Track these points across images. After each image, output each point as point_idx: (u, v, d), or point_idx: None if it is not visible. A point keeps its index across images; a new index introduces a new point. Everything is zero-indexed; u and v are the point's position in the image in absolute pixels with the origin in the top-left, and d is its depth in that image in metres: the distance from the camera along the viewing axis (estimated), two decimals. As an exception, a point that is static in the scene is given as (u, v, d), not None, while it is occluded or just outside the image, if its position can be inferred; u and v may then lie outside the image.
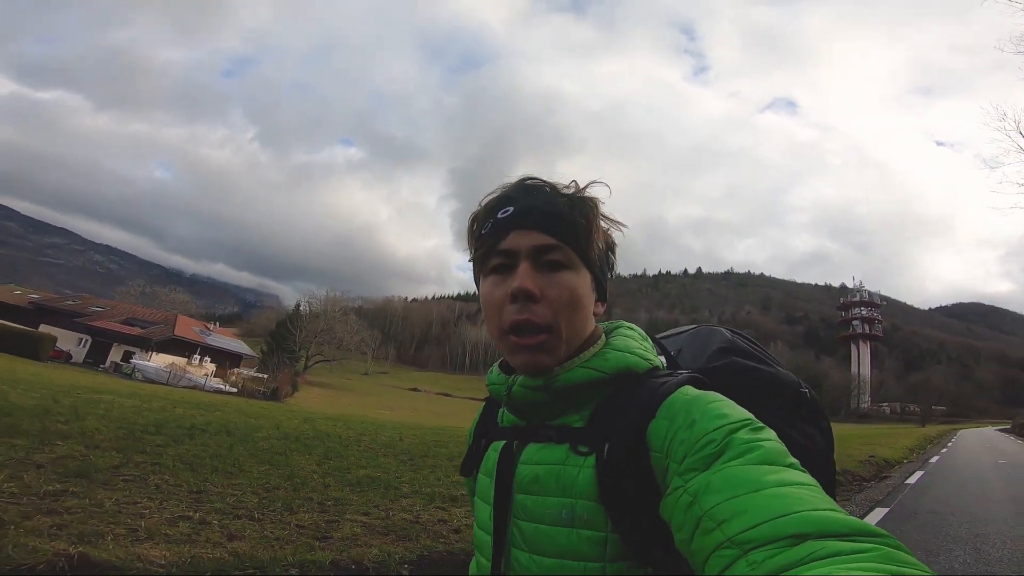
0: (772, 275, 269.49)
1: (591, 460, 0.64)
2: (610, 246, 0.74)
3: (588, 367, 0.68)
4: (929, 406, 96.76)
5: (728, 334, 0.89)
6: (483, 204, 0.72)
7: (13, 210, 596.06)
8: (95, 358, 34.71)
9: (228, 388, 30.23)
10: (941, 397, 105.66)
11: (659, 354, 0.78)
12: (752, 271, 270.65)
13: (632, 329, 0.76)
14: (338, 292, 77.91)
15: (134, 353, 34.68)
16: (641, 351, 0.72)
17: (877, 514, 6.48)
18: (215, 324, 53.61)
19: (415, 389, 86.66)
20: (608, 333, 0.75)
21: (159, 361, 33.45)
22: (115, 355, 34.95)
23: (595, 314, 0.72)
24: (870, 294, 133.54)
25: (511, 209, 0.69)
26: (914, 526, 5.95)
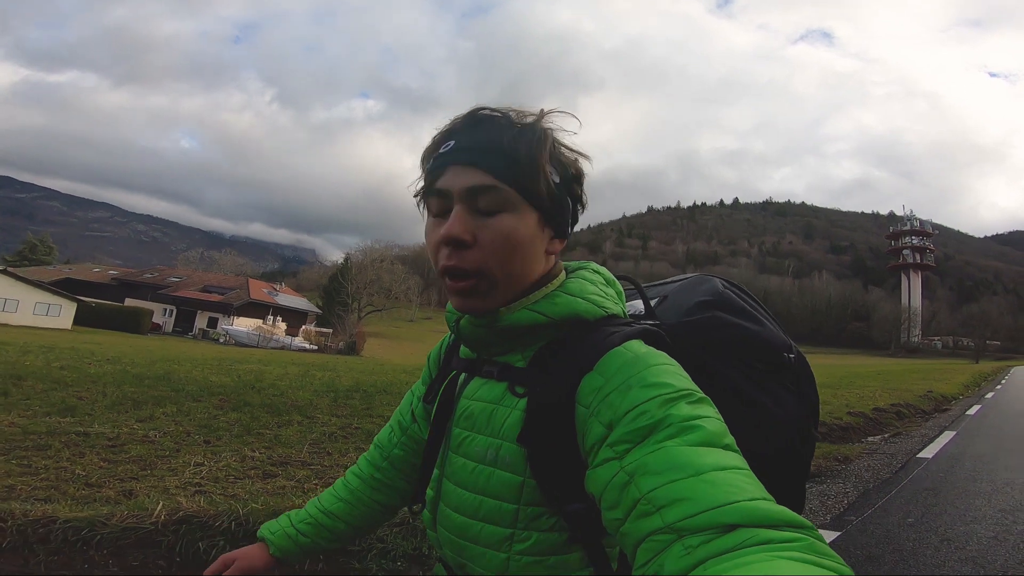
0: (814, 204, 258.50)
1: (523, 403, 0.64)
2: (574, 177, 0.68)
3: (533, 310, 0.66)
4: (983, 340, 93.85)
5: (720, 286, 0.85)
6: (432, 137, 0.68)
7: (53, 190, 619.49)
8: (183, 326, 37.55)
9: (309, 346, 32.42)
10: (996, 331, 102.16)
11: (640, 300, 0.80)
12: (792, 200, 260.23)
13: (597, 272, 0.74)
14: (377, 243, 79.81)
15: (218, 319, 37.34)
16: (597, 296, 0.69)
17: (946, 436, 7.45)
18: (281, 284, 56.23)
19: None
20: (570, 273, 0.73)
21: (240, 324, 35.93)
22: (200, 322, 37.69)
23: (550, 252, 0.68)
24: (921, 222, 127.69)
25: (451, 143, 0.65)
26: (979, 438, 7.59)
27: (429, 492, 0.74)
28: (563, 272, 0.72)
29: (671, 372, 0.58)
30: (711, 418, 0.54)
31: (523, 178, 0.63)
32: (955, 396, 14.40)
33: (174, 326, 37.64)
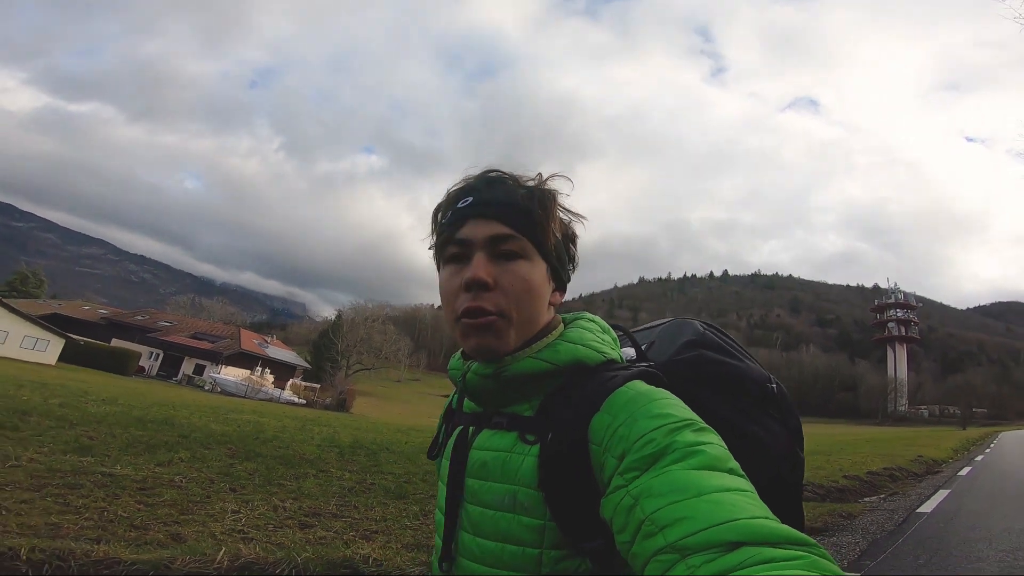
0: (800, 276, 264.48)
1: (535, 449, 0.66)
2: (570, 237, 0.76)
3: (538, 358, 0.69)
4: (969, 408, 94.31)
5: (700, 327, 0.91)
6: (447, 194, 0.75)
7: (52, 222, 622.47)
8: (167, 371, 36.84)
9: (297, 400, 31.76)
10: (981, 399, 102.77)
11: (630, 347, 0.84)
12: (780, 273, 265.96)
13: (593, 321, 0.78)
14: (369, 303, 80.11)
15: (205, 366, 36.71)
16: (596, 343, 0.73)
17: (941, 494, 7.77)
18: (272, 337, 55.74)
19: (447, 396, 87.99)
20: (567, 324, 0.77)
21: (228, 373, 35.31)
22: (187, 368, 37.03)
23: (552, 303, 0.75)
24: (905, 295, 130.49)
25: (470, 199, 0.71)
26: (973, 495, 8.03)
27: (438, 543, 0.74)
28: (561, 323, 0.76)
29: (674, 404, 0.62)
30: (714, 444, 0.57)
31: (537, 231, 0.70)
32: (945, 460, 14.82)
33: (159, 370, 36.97)
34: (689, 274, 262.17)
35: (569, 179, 0.75)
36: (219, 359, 37.00)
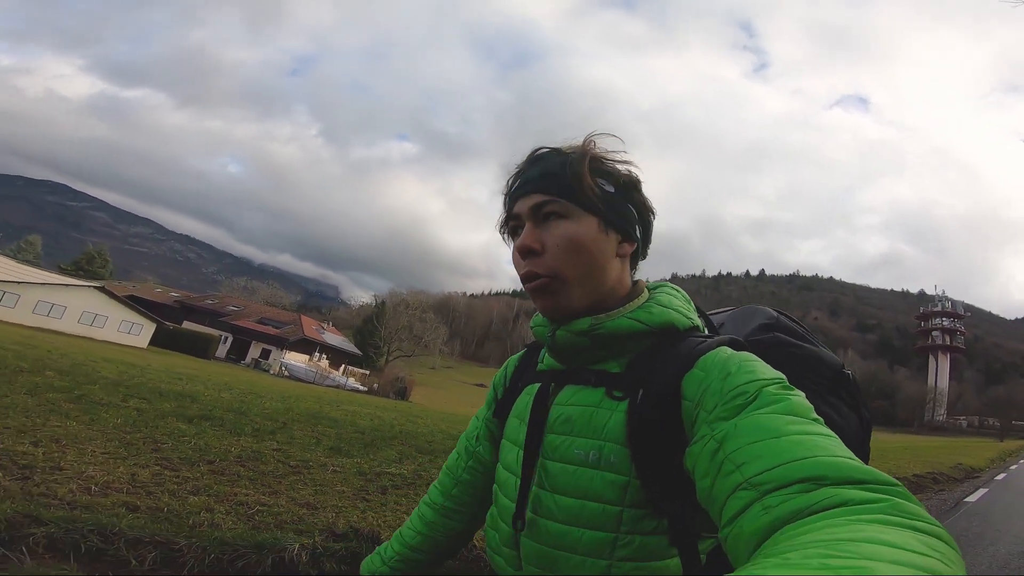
0: (841, 279, 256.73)
1: (624, 405, 0.67)
2: (627, 185, 0.76)
3: (632, 318, 0.72)
4: (1009, 421, 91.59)
5: (774, 312, 0.95)
6: (507, 180, 0.80)
7: (104, 201, 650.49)
8: (236, 354, 39.53)
9: (360, 387, 33.85)
10: (1022, 412, 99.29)
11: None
12: (820, 274, 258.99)
13: (676, 290, 0.82)
14: (404, 289, 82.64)
15: (270, 351, 39.28)
16: (684, 309, 0.76)
17: (979, 492, 9.44)
18: (328, 323, 58.47)
19: (480, 385, 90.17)
20: (652, 291, 0.80)
21: (290, 358, 37.77)
22: (254, 352, 39.65)
23: (621, 255, 0.76)
24: (953, 303, 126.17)
25: (517, 181, 0.77)
26: (1008, 491, 9.98)
27: (507, 504, 0.75)
28: (647, 290, 0.80)
29: (763, 366, 0.64)
30: (800, 396, 0.59)
31: (572, 190, 0.73)
32: (983, 468, 15.82)
33: (228, 353, 39.61)
34: (724, 272, 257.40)
35: (614, 135, 0.78)
36: (284, 344, 39.51)
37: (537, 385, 0.78)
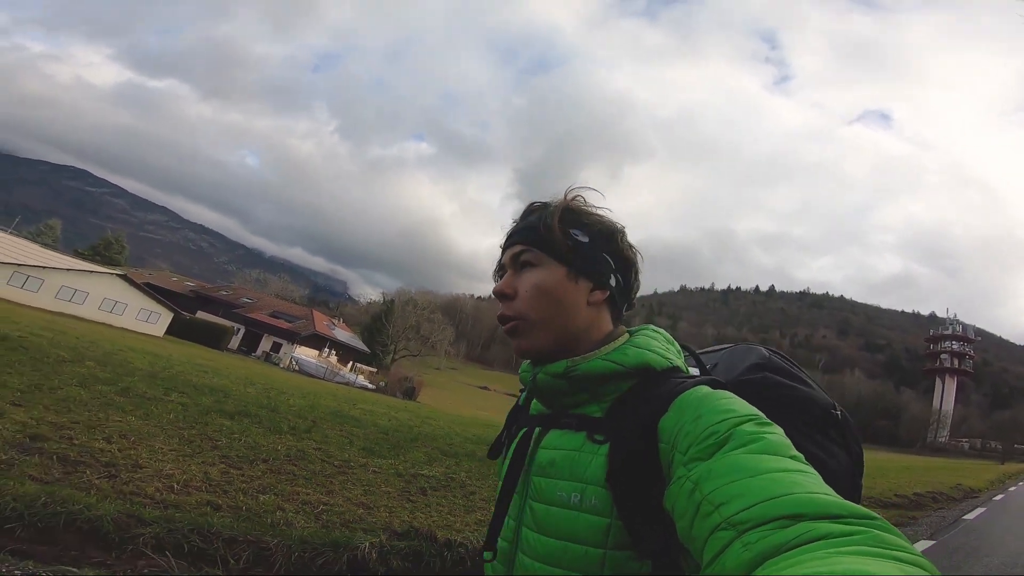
0: (853, 298, 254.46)
1: (604, 448, 0.69)
2: (603, 235, 0.80)
3: (607, 359, 0.74)
4: (1011, 444, 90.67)
5: (766, 352, 0.94)
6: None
7: (123, 188, 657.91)
8: (248, 347, 39.95)
9: (369, 385, 34.12)
10: None
11: (694, 366, 0.88)
12: (831, 292, 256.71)
13: (657, 332, 0.83)
14: (413, 289, 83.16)
15: (281, 344, 39.70)
16: (662, 351, 0.77)
17: (977, 511, 9.94)
18: (339, 319, 58.89)
19: (484, 387, 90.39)
20: (633, 334, 0.82)
21: (301, 353, 38.13)
22: (265, 344, 40.06)
23: (593, 302, 0.79)
24: (964, 327, 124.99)
25: (511, 230, 0.84)
26: (1006, 511, 10.57)
27: (503, 544, 0.76)
28: (627, 333, 0.82)
29: (738, 401, 0.64)
30: (776, 434, 0.58)
31: (544, 241, 0.79)
32: (982, 489, 16.08)
33: (240, 344, 40.04)
34: (733, 286, 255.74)
35: (594, 189, 0.83)
36: (296, 338, 39.89)
37: (524, 429, 0.82)
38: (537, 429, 0.79)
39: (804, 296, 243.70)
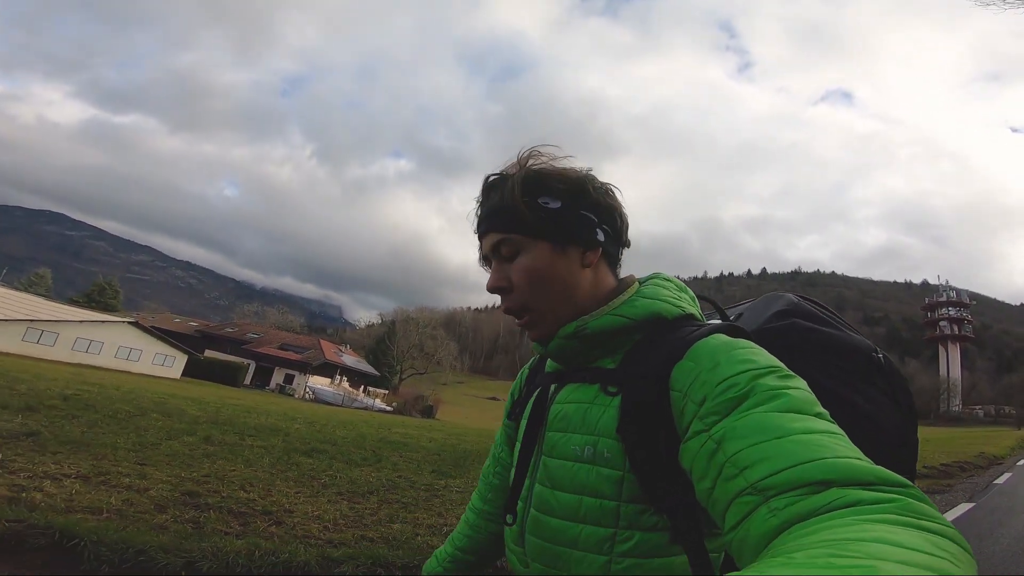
0: (844, 273, 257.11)
1: (617, 400, 0.66)
2: (574, 194, 0.73)
3: (616, 314, 0.71)
4: None
5: (794, 298, 0.89)
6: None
7: (102, 230, 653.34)
8: (260, 381, 40.15)
9: (387, 408, 34.46)
10: None
11: (717, 320, 0.84)
12: (822, 269, 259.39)
13: (667, 279, 0.79)
14: (411, 308, 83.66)
15: (293, 376, 39.93)
16: (673, 299, 0.74)
17: (1005, 476, 10.65)
18: (346, 346, 59.13)
19: (493, 398, 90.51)
20: (642, 283, 0.78)
21: (314, 382, 38.39)
22: (277, 377, 40.28)
23: (587, 264, 0.74)
24: (957, 292, 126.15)
25: (477, 218, 0.78)
26: None
27: (519, 504, 0.75)
28: (636, 283, 0.78)
29: (759, 352, 0.61)
30: (800, 389, 0.55)
31: (515, 224, 0.72)
32: (1004, 456, 16.82)
33: (253, 379, 40.26)
34: (726, 272, 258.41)
35: (550, 144, 0.77)
36: (307, 369, 40.15)
37: (540, 388, 0.80)
38: (553, 386, 0.78)
39: (797, 275, 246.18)
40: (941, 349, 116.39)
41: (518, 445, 0.78)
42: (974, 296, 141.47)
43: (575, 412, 0.70)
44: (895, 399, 0.80)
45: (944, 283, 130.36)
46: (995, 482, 9.49)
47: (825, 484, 0.42)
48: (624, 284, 0.77)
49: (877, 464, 0.49)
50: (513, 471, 0.77)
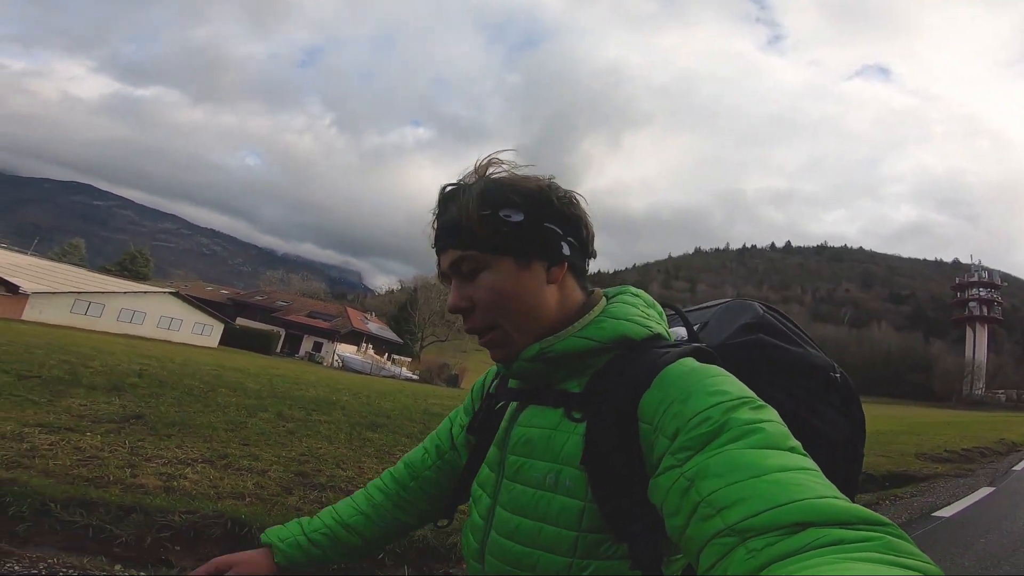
0: (872, 249, 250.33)
1: (582, 427, 0.64)
2: (537, 204, 0.70)
3: (582, 336, 0.68)
4: None
5: (760, 310, 0.86)
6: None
7: (129, 200, 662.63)
8: (291, 348, 41.42)
9: (414, 376, 35.36)
10: None
11: (681, 326, 0.81)
12: (849, 244, 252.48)
13: (637, 296, 0.76)
14: (430, 275, 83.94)
15: (322, 343, 41.09)
16: (641, 318, 0.71)
17: (1022, 464, 10.66)
18: (371, 314, 60.28)
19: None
20: (610, 299, 0.75)
21: (342, 350, 39.44)
22: (306, 345, 41.50)
23: (553, 280, 0.71)
24: (989, 272, 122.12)
25: (434, 232, 0.74)
26: None
27: (478, 520, 0.73)
28: (603, 299, 0.75)
29: (730, 381, 0.59)
30: (773, 422, 0.54)
31: (475, 240, 0.68)
32: (1023, 443, 17.13)
33: (282, 347, 41.45)
34: (748, 244, 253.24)
35: (508, 149, 0.73)
36: (335, 337, 41.26)
37: (514, 405, 0.75)
38: (513, 404, 0.75)
39: (823, 250, 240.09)
40: (968, 330, 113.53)
41: (493, 475, 0.74)
42: (1005, 277, 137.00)
43: (539, 438, 0.68)
44: (849, 416, 0.81)
45: (977, 262, 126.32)
46: (1014, 468, 9.81)
47: (803, 526, 0.42)
48: (592, 300, 0.75)
49: (829, 479, 0.48)
50: (490, 498, 0.72)
